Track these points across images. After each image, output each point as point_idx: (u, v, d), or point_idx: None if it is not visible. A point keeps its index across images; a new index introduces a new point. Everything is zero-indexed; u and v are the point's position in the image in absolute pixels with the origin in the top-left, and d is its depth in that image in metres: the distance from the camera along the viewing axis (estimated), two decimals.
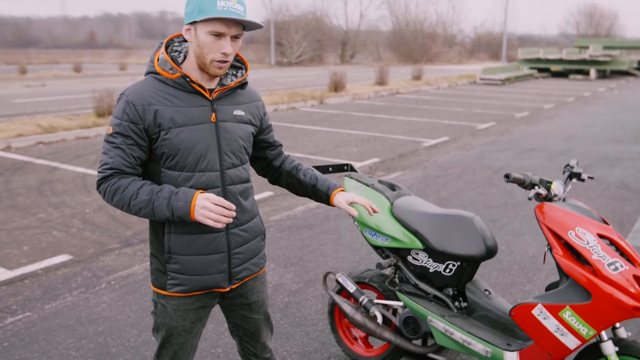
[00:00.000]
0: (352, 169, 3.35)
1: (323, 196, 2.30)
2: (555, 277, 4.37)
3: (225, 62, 1.97)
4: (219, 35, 1.92)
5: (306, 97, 17.04)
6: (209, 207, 1.87)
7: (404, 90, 21.77)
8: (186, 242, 2.03)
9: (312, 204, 6.48)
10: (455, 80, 26.61)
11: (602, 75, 32.28)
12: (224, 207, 1.89)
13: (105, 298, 4.14)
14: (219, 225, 1.89)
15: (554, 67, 33.54)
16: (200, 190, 1.95)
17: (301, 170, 2.36)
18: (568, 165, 2.79)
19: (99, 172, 1.99)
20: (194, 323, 2.15)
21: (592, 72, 31.30)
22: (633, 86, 26.23)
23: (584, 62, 31.88)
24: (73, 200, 6.51)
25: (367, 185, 3.06)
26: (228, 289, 2.13)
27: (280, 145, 2.39)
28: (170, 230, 2.02)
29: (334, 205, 2.30)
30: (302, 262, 4.81)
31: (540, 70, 32.79)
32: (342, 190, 2.31)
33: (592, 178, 2.87)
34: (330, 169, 3.33)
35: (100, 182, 1.99)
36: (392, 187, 3.12)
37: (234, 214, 1.91)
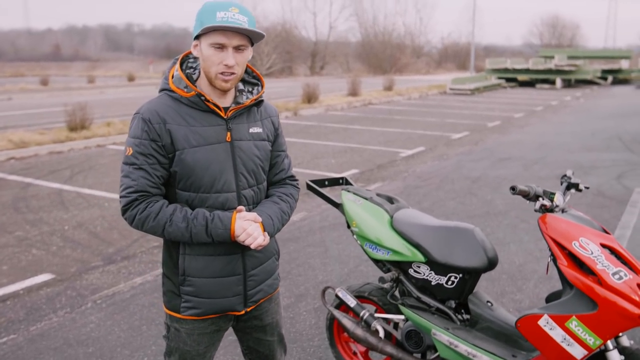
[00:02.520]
0: (348, 183, 3.35)
1: None
2: (544, 286, 4.44)
3: (230, 74, 1.92)
4: (220, 46, 1.89)
5: (280, 108, 17.01)
6: (249, 232, 1.92)
7: (376, 101, 21.92)
8: (202, 264, 1.98)
9: (295, 216, 6.45)
10: (425, 91, 26.92)
11: (568, 84, 33.03)
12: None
13: (93, 318, 4.03)
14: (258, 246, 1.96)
15: (521, 77, 34.20)
16: (235, 211, 1.94)
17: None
18: (565, 175, 2.83)
19: (122, 196, 1.93)
20: (207, 347, 2.09)
21: (558, 82, 32.00)
22: (598, 95, 26.88)
23: (549, 71, 32.59)
24: (50, 217, 6.36)
25: (366, 198, 3.05)
26: (243, 312, 2.09)
27: (289, 178, 2.23)
28: (186, 251, 1.98)
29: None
30: (291, 276, 4.77)
31: (507, 79, 33.40)
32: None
33: (588, 188, 2.91)
34: (326, 182, 3.32)
35: (126, 208, 1.93)
36: (390, 199, 3.11)
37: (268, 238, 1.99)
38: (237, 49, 1.92)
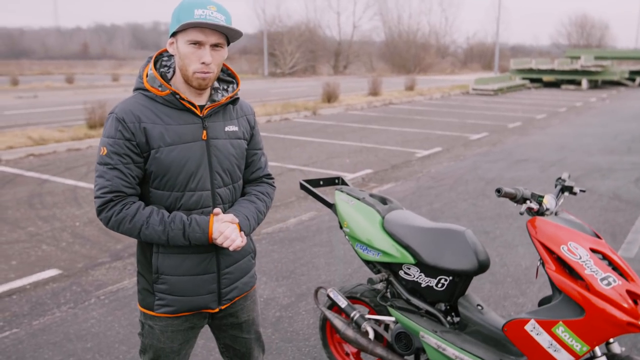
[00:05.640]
0: (343, 182, 3.33)
1: None
2: (549, 290, 4.36)
3: (207, 72, 1.91)
4: (197, 44, 1.88)
5: (299, 107, 17.04)
6: (226, 235, 1.93)
7: (397, 100, 21.81)
8: (175, 262, 1.98)
9: (304, 215, 6.45)
10: (448, 91, 26.70)
11: (594, 85, 32.47)
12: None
13: (94, 313, 4.08)
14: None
15: (546, 78, 33.71)
16: (212, 214, 1.96)
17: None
18: (560, 178, 2.77)
19: (97, 197, 1.92)
20: (182, 345, 2.10)
21: (584, 83, 31.48)
22: (624, 96, 26.38)
23: (575, 72, 32.07)
24: (63, 213, 6.46)
25: (358, 199, 3.03)
26: (217, 309, 2.09)
27: (265, 176, 2.23)
28: (159, 250, 1.98)
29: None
30: (294, 275, 4.77)
31: (532, 80, 32.96)
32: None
33: (584, 191, 2.85)
34: (322, 182, 3.31)
35: (101, 209, 1.91)
36: (384, 200, 3.09)
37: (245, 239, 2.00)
38: (214, 47, 1.91)
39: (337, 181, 3.34)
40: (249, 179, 2.19)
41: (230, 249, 1.93)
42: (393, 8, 77.46)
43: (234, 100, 2.09)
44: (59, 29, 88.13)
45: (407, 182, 8.18)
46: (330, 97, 19.00)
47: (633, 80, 35.10)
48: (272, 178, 2.25)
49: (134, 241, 5.55)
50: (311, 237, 5.73)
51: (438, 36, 66.90)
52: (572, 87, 31.68)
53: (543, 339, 2.40)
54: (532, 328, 2.42)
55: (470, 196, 7.35)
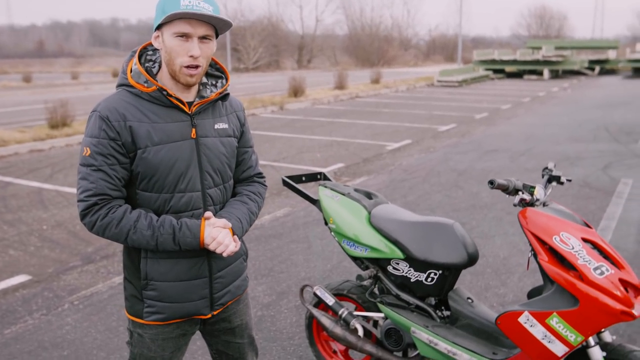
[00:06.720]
0: (326, 178, 3.27)
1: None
2: (529, 279, 4.39)
3: (195, 67, 1.80)
4: (184, 36, 1.77)
5: (266, 103, 16.89)
6: (219, 241, 1.83)
7: (364, 94, 21.83)
8: (165, 267, 1.88)
9: (278, 212, 6.37)
10: (413, 83, 26.86)
11: (555, 75, 33.09)
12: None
13: (69, 319, 3.93)
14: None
15: (509, 68, 34.22)
16: (203, 218, 1.86)
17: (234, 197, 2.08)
18: (547, 168, 2.76)
19: (80, 200, 1.80)
20: (173, 352, 2.00)
21: (546, 72, 32.05)
22: (585, 85, 26.93)
23: (537, 62, 32.63)
24: (29, 217, 6.24)
25: (343, 194, 2.97)
26: (209, 315, 2.00)
27: (256, 175, 2.15)
28: (148, 255, 1.88)
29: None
30: (273, 273, 4.69)
31: (495, 71, 33.40)
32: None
33: (570, 180, 2.84)
34: (304, 178, 3.24)
35: (85, 213, 1.80)
36: (369, 195, 3.03)
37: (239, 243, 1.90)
38: (203, 39, 1.80)
39: (319, 177, 3.28)
40: (239, 178, 2.09)
41: (224, 254, 1.83)
42: (355, 1, 77.70)
43: (224, 97, 1.98)
44: (12, 26, 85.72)
45: (380, 176, 8.17)
46: (296, 91, 18.91)
47: (592, 69, 35.92)
48: (263, 177, 2.16)
49: (106, 243, 5.39)
50: (287, 234, 5.66)
51: (401, 29, 67.35)
52: (534, 77, 32.21)
53: (537, 330, 2.38)
54: (526, 320, 2.40)
55: (444, 187, 7.37)
